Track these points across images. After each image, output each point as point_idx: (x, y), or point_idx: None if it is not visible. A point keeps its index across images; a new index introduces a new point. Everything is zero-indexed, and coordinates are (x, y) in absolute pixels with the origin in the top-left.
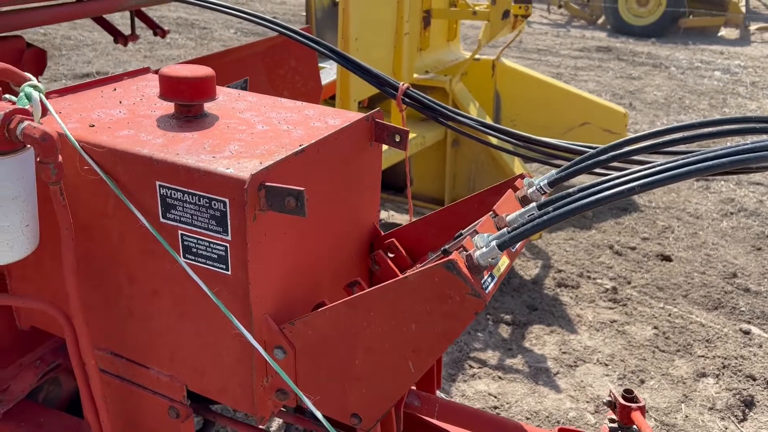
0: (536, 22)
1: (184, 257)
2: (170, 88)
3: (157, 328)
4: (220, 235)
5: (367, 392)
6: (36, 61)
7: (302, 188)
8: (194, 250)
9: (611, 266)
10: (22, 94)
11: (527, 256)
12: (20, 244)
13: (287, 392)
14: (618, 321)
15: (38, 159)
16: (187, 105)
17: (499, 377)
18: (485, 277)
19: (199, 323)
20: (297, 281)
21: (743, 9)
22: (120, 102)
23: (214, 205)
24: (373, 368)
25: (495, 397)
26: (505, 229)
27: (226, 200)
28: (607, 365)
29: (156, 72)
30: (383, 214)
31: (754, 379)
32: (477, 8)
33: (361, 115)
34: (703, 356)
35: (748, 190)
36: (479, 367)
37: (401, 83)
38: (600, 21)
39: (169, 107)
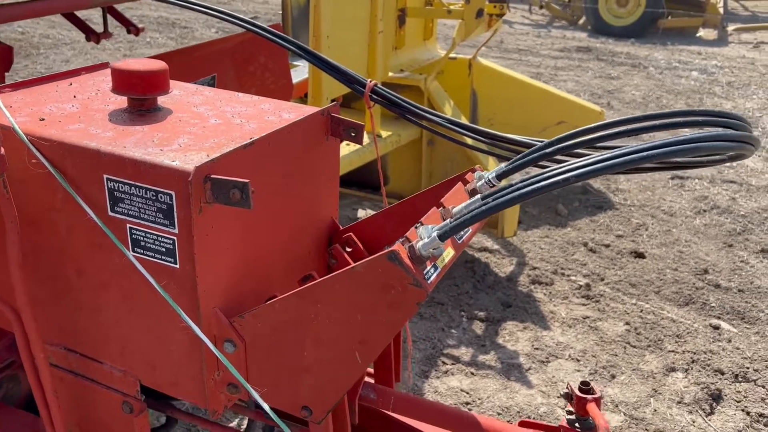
0: (517, 23)
1: (133, 251)
2: (122, 82)
3: (106, 322)
4: (167, 228)
5: (316, 384)
6: (1, 58)
7: (247, 180)
8: (143, 243)
9: (585, 263)
10: None
11: (502, 254)
12: None
13: (238, 386)
14: (590, 317)
15: None
16: (140, 99)
17: (472, 373)
18: (428, 268)
19: (149, 317)
20: (247, 274)
21: (721, 10)
22: (74, 96)
23: (161, 198)
24: (321, 359)
25: (467, 393)
26: (448, 220)
27: (172, 193)
28: (578, 361)
29: None
30: (360, 213)
31: (722, 374)
32: (452, 7)
33: (316, 109)
34: (673, 351)
35: (722, 188)
36: (452, 364)
37: (369, 80)
38: (581, 21)
39: (123, 101)
